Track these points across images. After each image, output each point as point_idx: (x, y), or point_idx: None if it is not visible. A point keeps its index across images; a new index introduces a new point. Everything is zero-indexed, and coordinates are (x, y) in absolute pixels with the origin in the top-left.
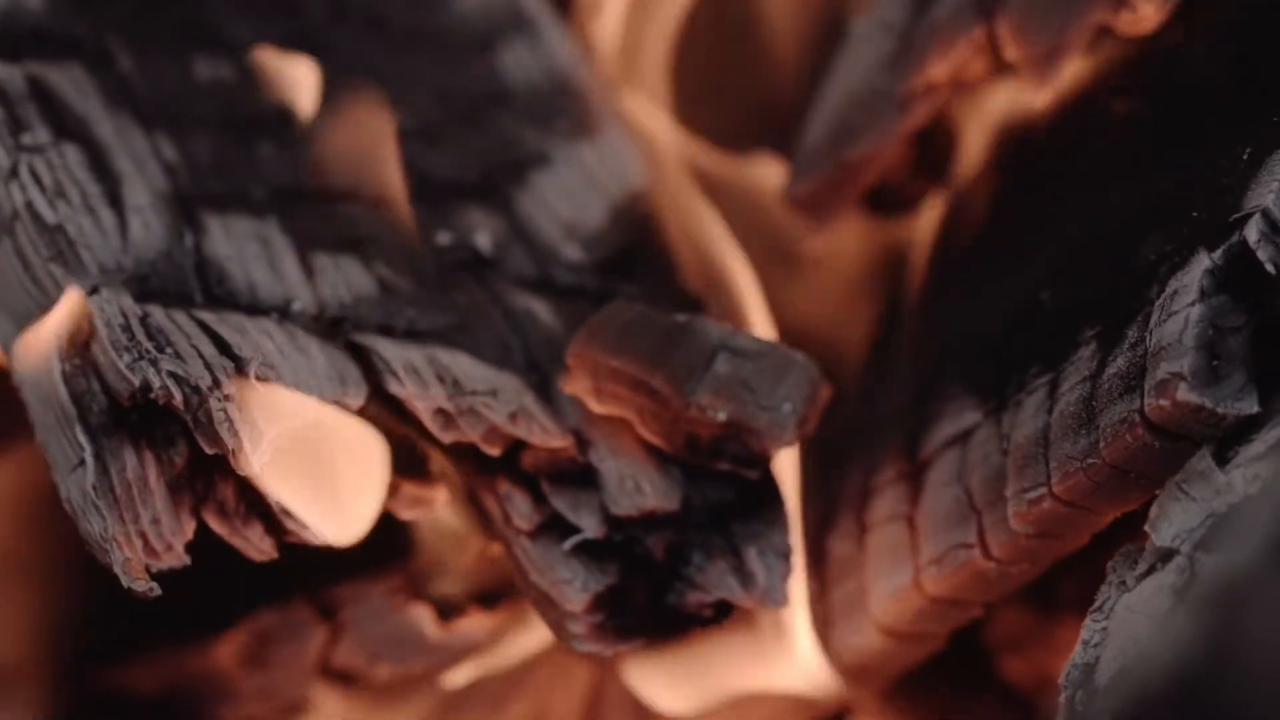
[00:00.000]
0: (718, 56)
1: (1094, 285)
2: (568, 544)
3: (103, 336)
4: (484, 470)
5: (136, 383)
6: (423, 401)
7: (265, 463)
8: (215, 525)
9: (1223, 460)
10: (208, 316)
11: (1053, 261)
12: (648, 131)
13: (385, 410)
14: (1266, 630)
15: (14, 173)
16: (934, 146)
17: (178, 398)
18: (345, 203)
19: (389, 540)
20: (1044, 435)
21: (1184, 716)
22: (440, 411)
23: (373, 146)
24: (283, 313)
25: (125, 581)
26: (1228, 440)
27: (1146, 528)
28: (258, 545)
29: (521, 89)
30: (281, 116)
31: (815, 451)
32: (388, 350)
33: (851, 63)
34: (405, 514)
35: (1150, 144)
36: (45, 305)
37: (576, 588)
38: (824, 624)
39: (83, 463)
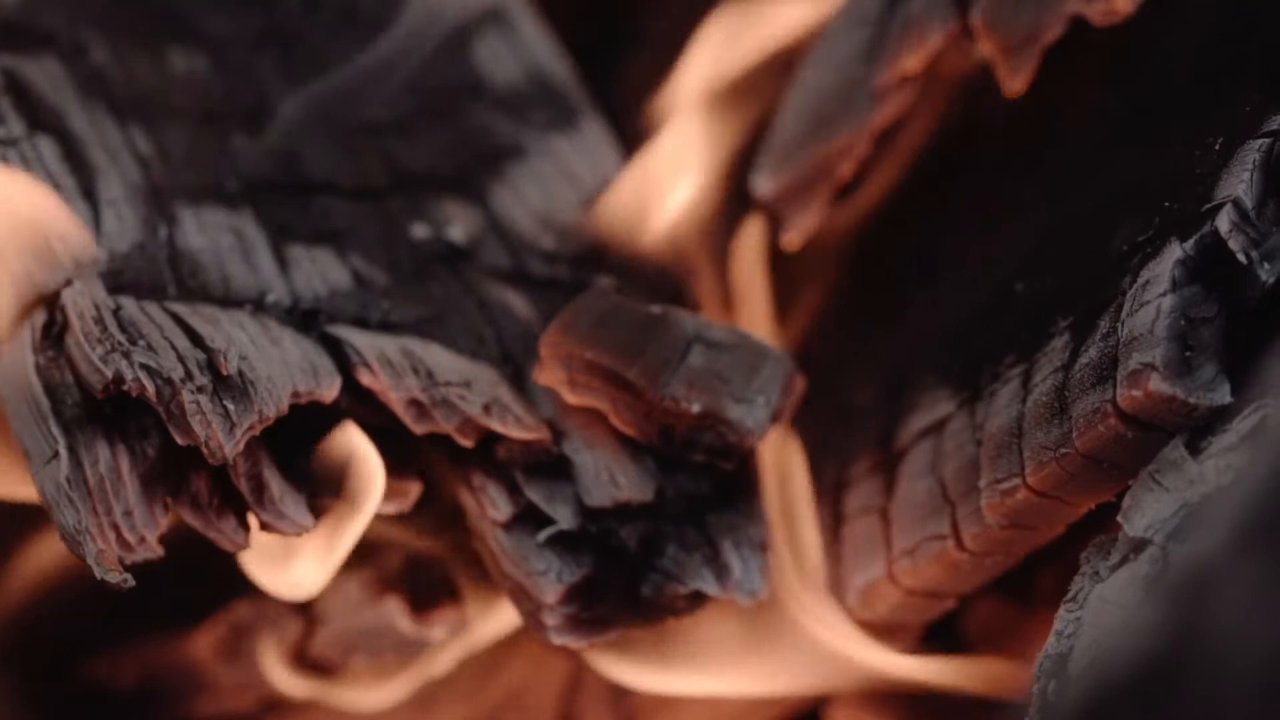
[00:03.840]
0: None
1: (1067, 275)
2: (542, 535)
3: (76, 329)
4: (458, 462)
5: (109, 375)
6: (396, 393)
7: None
8: (188, 518)
9: (1195, 450)
10: (181, 309)
11: (1026, 251)
12: None
13: (358, 402)
14: (1232, 618)
15: None
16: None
17: (150, 390)
18: (320, 195)
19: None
20: (1017, 425)
21: (1148, 703)
22: (414, 403)
23: None
24: (257, 305)
25: (99, 574)
26: (1200, 430)
27: (1119, 518)
28: (231, 538)
29: (497, 81)
30: (256, 109)
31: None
32: (361, 341)
33: (826, 55)
34: (381, 507)
35: (1123, 133)
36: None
37: (551, 579)
38: None
39: (56, 455)
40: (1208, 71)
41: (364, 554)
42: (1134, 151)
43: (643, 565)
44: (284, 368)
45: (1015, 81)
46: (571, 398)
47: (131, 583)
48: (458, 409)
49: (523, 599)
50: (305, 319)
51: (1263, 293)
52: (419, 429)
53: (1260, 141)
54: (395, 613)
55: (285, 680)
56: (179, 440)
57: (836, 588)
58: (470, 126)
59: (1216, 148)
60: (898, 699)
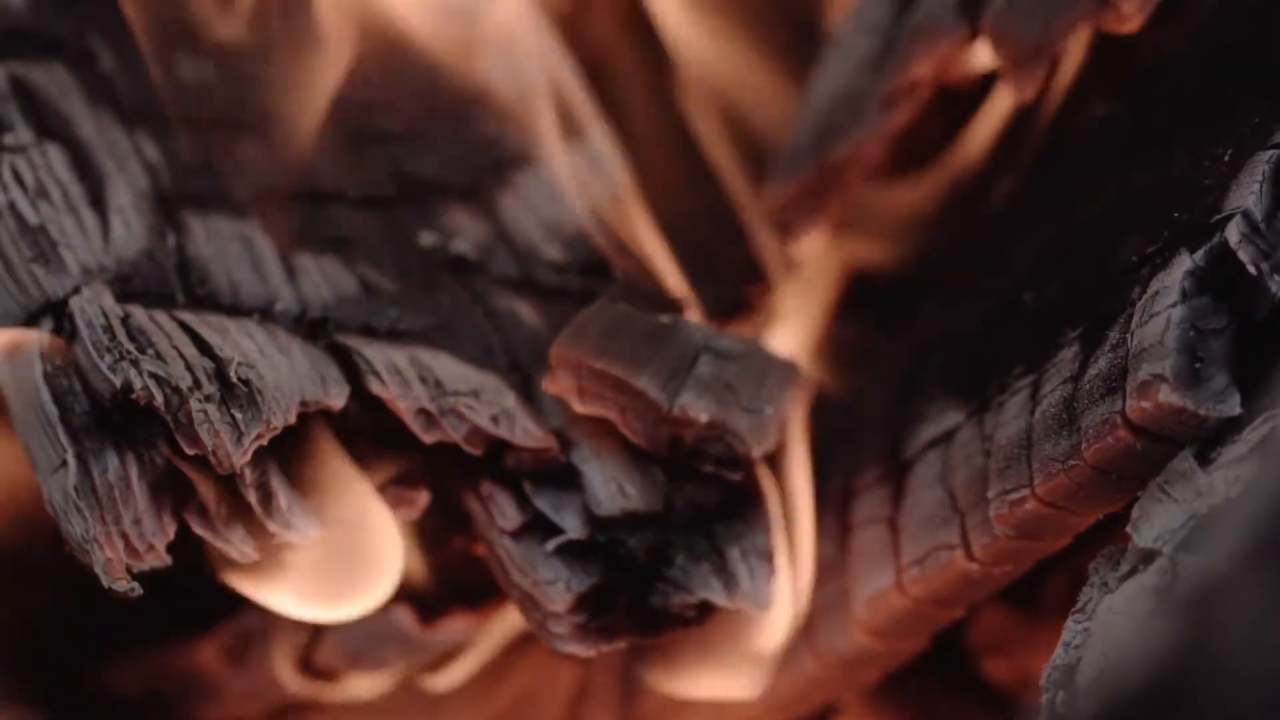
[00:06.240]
0: None
1: (1076, 286)
2: (550, 545)
3: (84, 337)
4: (466, 471)
5: (118, 383)
6: (405, 402)
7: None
8: (196, 526)
9: (1205, 461)
10: (189, 317)
11: (1034, 262)
12: None
13: (367, 411)
14: (1241, 630)
15: None
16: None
17: (159, 399)
18: (328, 203)
19: None
20: (1026, 436)
21: (1157, 714)
22: (422, 412)
23: None
24: (265, 313)
25: (106, 582)
26: (1210, 441)
27: (1128, 529)
28: (239, 547)
29: (504, 90)
30: (264, 116)
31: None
32: (370, 351)
33: (835, 63)
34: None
35: (1131, 144)
36: (27, 306)
37: (559, 588)
38: (807, 625)
39: (64, 463)
40: (1216, 82)
41: None
42: (1143, 162)
43: (651, 575)
44: (292, 377)
45: (1025, 90)
46: (580, 407)
47: (139, 591)
48: (466, 418)
49: (531, 608)
50: (313, 328)
51: (1272, 304)
52: (427, 438)
53: (1269, 153)
54: (403, 620)
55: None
56: (187, 449)
57: (844, 597)
58: (478, 136)
59: (1225, 159)
60: (902, 705)
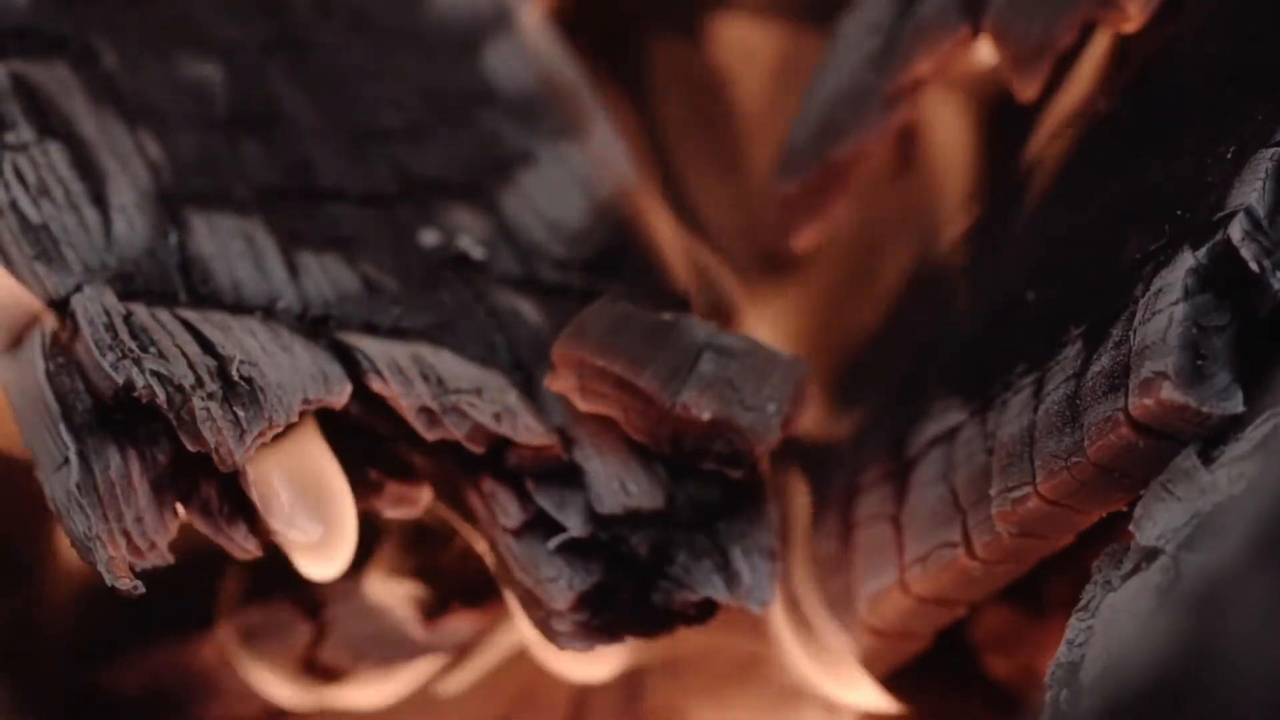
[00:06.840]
0: None
1: (1079, 284)
2: (553, 543)
3: (86, 335)
4: (468, 469)
5: (120, 382)
6: (407, 400)
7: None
8: (199, 524)
9: (1208, 459)
10: (191, 315)
11: (1037, 260)
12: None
13: (368, 409)
14: (1245, 628)
15: None
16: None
17: (161, 397)
18: (330, 201)
19: (373, 539)
20: (1029, 434)
21: (1161, 713)
22: (424, 410)
23: None
24: (267, 311)
25: (109, 580)
26: (1213, 439)
27: (1131, 527)
28: (242, 544)
29: (507, 88)
30: (266, 115)
31: (800, 451)
32: (371, 348)
33: (837, 61)
34: (390, 512)
35: (1134, 142)
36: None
37: (561, 586)
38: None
39: (66, 461)
40: (1219, 80)
41: (374, 560)
42: (1146, 160)
43: (653, 572)
44: (294, 375)
45: (1027, 88)
46: (582, 404)
47: (142, 589)
48: (468, 416)
49: (533, 606)
50: (315, 325)
51: (1275, 301)
52: (429, 436)
53: (1272, 151)
54: (405, 619)
55: (288, 687)
56: (189, 447)
57: (846, 595)
58: (480, 133)
59: (1228, 157)
60: (904, 702)
